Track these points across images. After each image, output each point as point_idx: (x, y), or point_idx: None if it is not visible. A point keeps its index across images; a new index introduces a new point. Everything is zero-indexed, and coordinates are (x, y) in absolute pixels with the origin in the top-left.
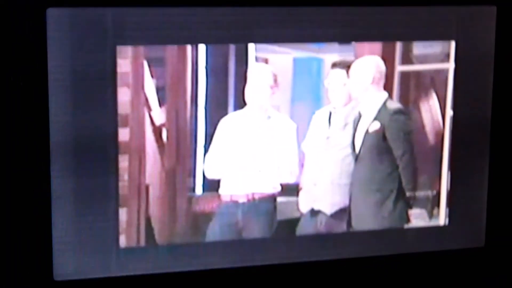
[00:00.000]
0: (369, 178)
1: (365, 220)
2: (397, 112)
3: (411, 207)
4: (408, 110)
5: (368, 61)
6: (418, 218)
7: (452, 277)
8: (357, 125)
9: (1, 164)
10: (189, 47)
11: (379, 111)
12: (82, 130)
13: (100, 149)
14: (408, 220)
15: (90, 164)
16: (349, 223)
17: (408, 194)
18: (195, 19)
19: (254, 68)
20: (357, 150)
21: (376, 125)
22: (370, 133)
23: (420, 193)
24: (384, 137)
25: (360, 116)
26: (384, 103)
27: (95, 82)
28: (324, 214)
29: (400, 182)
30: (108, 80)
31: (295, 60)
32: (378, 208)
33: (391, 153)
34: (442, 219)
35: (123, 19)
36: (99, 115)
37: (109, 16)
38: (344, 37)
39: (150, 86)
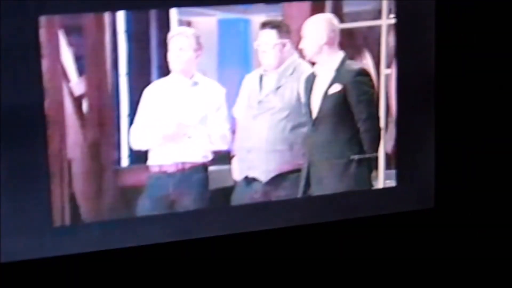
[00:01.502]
0: (328, 142)
1: (324, 185)
2: (360, 73)
3: (371, 171)
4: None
5: (321, 19)
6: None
7: (402, 239)
8: (311, 87)
9: None
10: (107, 14)
11: (338, 71)
12: (7, 105)
13: (28, 123)
14: (370, 184)
15: (18, 141)
16: (306, 188)
17: (369, 157)
18: None
19: (175, 32)
20: (314, 113)
21: (337, 87)
22: (329, 95)
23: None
24: (345, 100)
25: (314, 77)
26: (342, 63)
27: (18, 53)
28: (259, 181)
29: (361, 146)
30: (31, 50)
31: (220, 22)
32: (337, 173)
33: (352, 116)
34: (381, 181)
35: None
36: (24, 87)
37: None
38: None
39: (67, 55)
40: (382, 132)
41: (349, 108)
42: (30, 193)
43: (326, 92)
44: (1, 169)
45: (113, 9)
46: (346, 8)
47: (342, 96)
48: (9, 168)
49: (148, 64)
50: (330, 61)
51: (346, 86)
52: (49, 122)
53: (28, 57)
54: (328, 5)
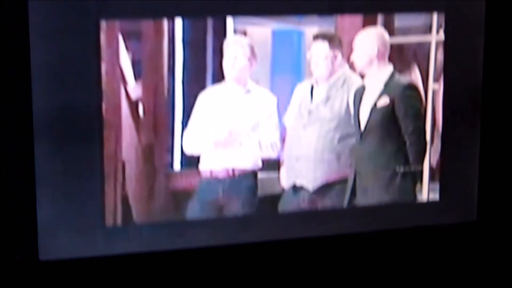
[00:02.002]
0: (375, 153)
1: (369, 195)
2: (408, 87)
3: (416, 184)
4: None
5: (372, 33)
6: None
7: (445, 251)
8: (360, 99)
9: None
10: (165, 21)
11: (387, 85)
12: (65, 108)
13: (85, 124)
14: (415, 196)
15: (74, 141)
16: (351, 198)
17: (414, 170)
18: None
19: (231, 41)
20: (362, 125)
21: (386, 100)
22: (378, 108)
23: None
24: (392, 113)
25: (363, 89)
26: (391, 77)
27: (79, 55)
28: (306, 190)
29: (407, 159)
30: (91, 53)
31: (274, 33)
32: (383, 184)
33: (399, 129)
34: (425, 194)
35: None
36: (83, 89)
37: None
38: (325, 9)
39: (125, 60)
40: (428, 146)
41: (396, 121)
42: (83, 193)
43: (374, 105)
44: (57, 167)
45: (171, 16)
46: (398, 23)
47: (390, 109)
48: (65, 167)
49: (203, 71)
50: (379, 74)
51: (394, 99)
52: (106, 124)
53: (88, 59)
54: (380, 19)
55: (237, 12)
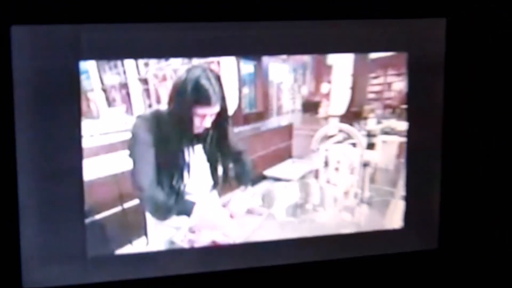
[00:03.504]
0: None
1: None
2: None
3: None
4: None
5: None
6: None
7: (408, 278)
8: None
9: None
10: None
11: None
12: (47, 143)
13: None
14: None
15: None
16: None
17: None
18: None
19: None
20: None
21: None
22: None
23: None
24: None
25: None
26: None
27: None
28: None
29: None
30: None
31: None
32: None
33: None
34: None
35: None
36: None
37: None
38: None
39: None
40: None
41: None
42: (65, 224)
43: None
44: (40, 199)
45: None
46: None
47: None
48: (48, 200)
49: None
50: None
51: None
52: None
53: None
54: None
55: None
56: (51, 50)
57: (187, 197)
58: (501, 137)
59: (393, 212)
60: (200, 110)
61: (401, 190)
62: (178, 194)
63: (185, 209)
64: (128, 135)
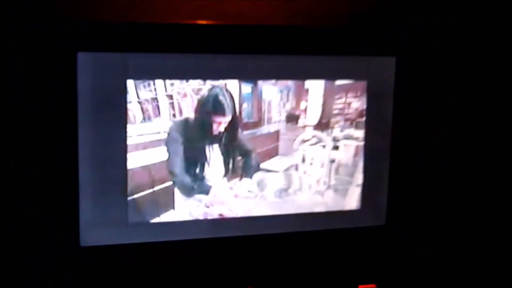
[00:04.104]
0: None
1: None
2: None
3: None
4: None
5: None
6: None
7: (361, 248)
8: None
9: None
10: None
11: None
12: (101, 140)
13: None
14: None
15: None
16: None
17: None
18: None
19: None
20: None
21: None
22: None
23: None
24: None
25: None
26: None
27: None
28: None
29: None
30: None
31: None
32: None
33: None
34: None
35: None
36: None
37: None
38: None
39: None
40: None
41: None
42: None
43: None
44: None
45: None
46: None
47: None
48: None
49: None
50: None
51: None
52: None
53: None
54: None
55: None
56: (106, 71)
57: (206, 182)
58: (434, 143)
59: (351, 196)
60: (217, 118)
61: (357, 180)
62: (200, 179)
63: (204, 190)
64: (159, 136)
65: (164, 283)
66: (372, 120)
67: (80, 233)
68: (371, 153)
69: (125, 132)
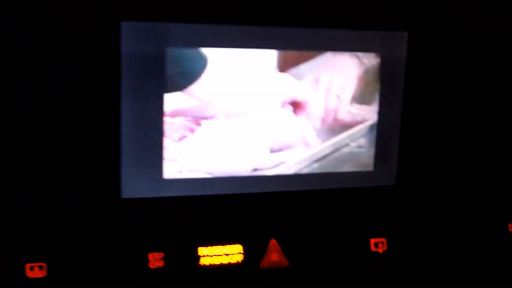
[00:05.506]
0: None
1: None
2: None
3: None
4: None
5: None
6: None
7: (373, 206)
8: None
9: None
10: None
11: None
12: (142, 104)
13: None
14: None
15: None
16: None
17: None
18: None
19: None
20: None
21: None
22: None
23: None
24: None
25: None
26: None
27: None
28: None
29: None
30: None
31: None
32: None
33: None
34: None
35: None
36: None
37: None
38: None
39: None
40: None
41: None
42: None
43: None
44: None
45: None
46: None
47: None
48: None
49: None
50: None
51: None
52: None
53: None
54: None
55: None
56: (147, 39)
57: None
58: (442, 116)
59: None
60: None
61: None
62: None
63: None
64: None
65: (196, 235)
66: (384, 92)
67: (121, 187)
68: (383, 124)
69: (162, 97)
